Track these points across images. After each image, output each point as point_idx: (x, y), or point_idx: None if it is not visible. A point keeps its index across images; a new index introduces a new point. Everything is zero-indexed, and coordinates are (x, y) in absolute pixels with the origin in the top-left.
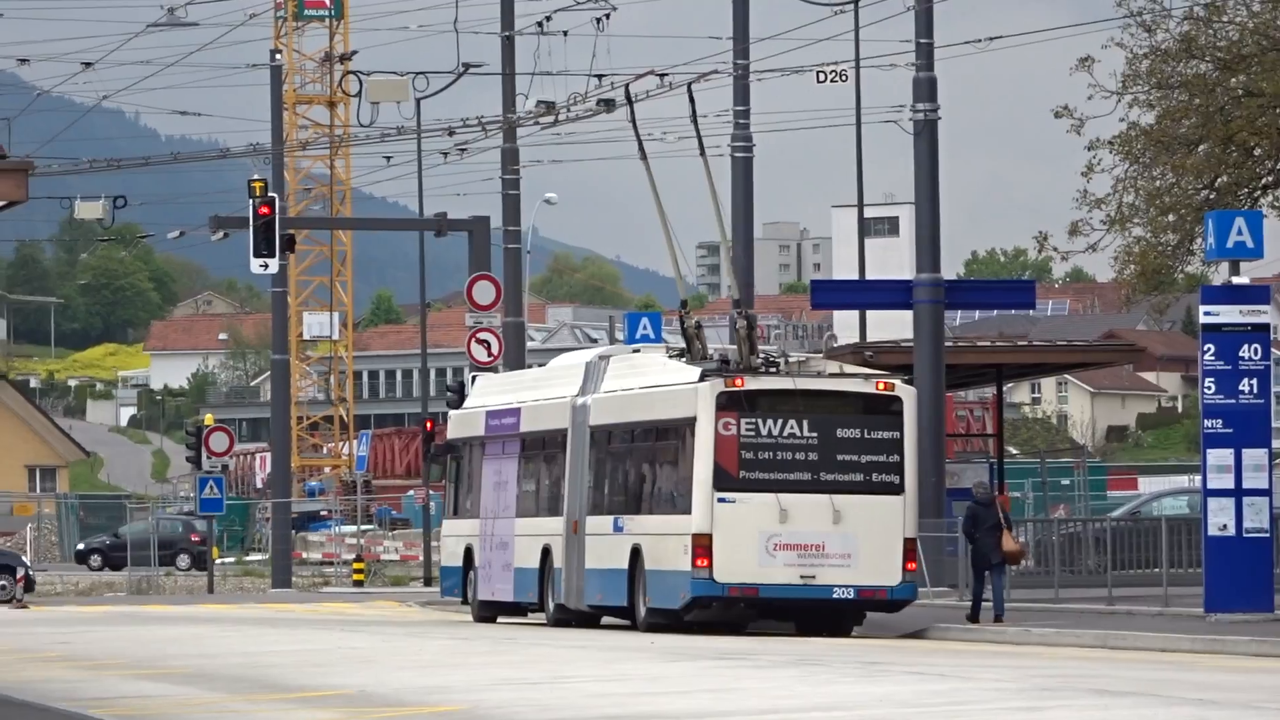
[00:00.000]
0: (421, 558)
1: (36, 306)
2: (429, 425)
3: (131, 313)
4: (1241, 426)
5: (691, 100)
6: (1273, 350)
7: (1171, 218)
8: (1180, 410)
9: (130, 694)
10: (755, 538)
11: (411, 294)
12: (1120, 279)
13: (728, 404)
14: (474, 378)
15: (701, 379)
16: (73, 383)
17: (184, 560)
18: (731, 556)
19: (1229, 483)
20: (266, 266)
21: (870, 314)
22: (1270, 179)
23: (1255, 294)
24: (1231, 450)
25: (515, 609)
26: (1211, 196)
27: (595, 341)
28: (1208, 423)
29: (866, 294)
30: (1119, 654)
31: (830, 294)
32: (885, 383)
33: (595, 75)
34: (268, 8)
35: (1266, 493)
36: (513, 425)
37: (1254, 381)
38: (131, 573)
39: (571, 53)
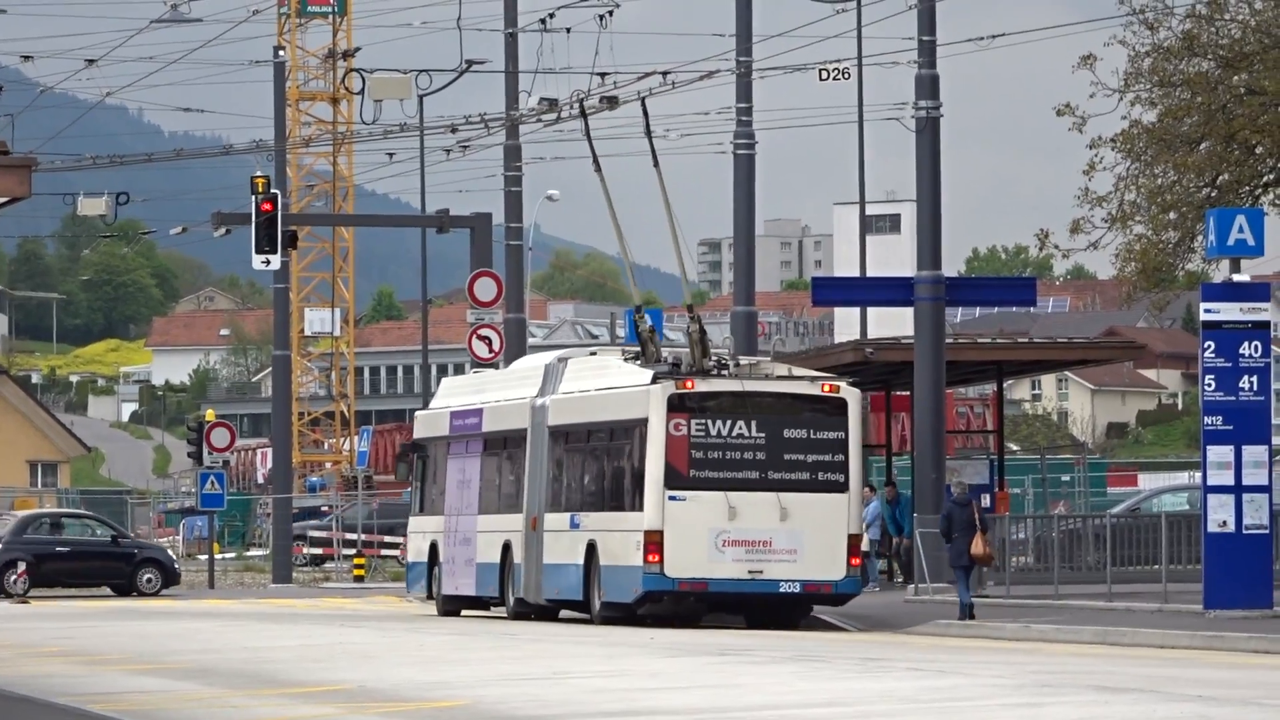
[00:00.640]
0: None
1: (39, 302)
2: None
3: (133, 308)
4: (1241, 423)
5: (645, 114)
6: (1273, 348)
7: (1173, 215)
8: (1180, 407)
9: (131, 689)
10: (705, 534)
11: (413, 290)
12: (1121, 276)
13: (678, 405)
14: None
15: (653, 381)
16: (74, 378)
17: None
18: (682, 552)
19: (1229, 479)
20: (268, 263)
21: (871, 311)
22: (1271, 177)
23: (1256, 291)
24: (1231, 447)
25: (477, 603)
26: (1213, 194)
27: (596, 338)
28: (1208, 419)
29: (868, 291)
30: (1119, 650)
31: (831, 291)
32: (831, 385)
33: (598, 73)
34: (271, 4)
35: (1266, 489)
36: (476, 425)
37: (1254, 379)
38: None
39: (575, 50)
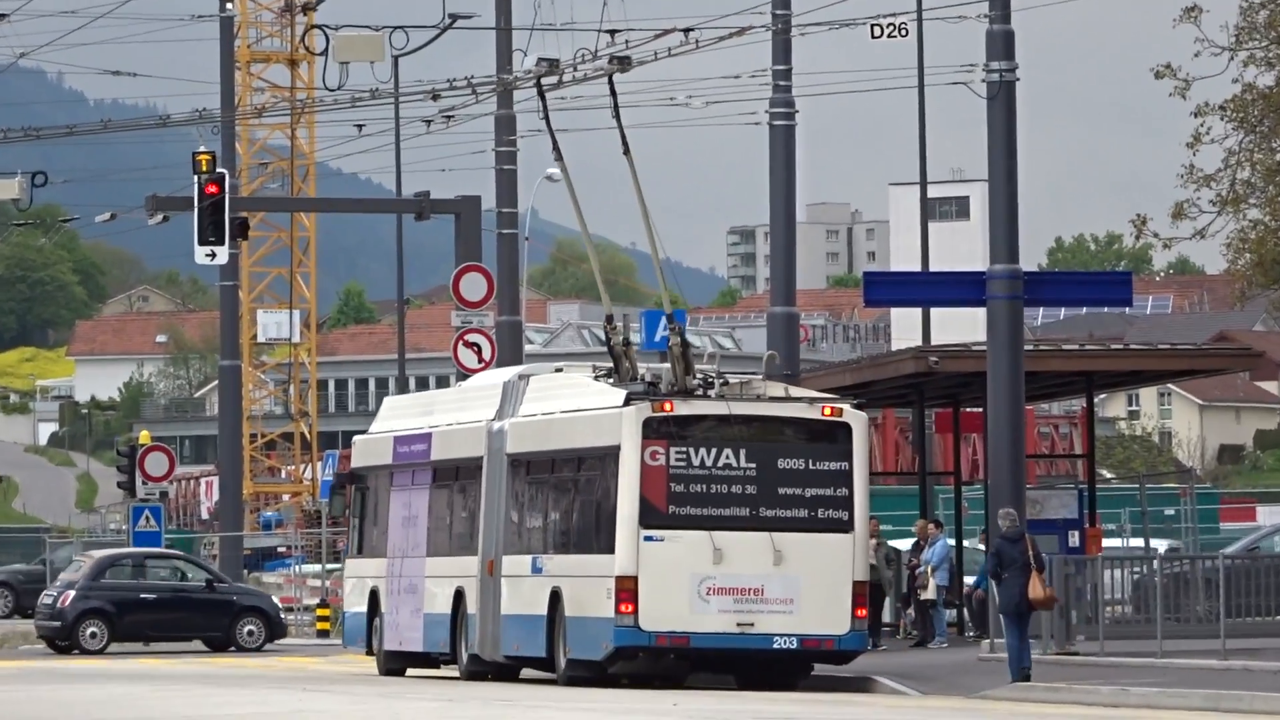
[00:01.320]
0: None
1: None
2: None
3: (52, 311)
4: None
5: (613, 93)
6: None
7: None
8: None
9: None
10: (686, 580)
11: (387, 288)
12: (1234, 270)
13: (655, 430)
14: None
15: (626, 402)
16: None
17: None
18: (659, 601)
19: None
20: (214, 256)
21: (935, 312)
22: None
23: None
24: None
25: (425, 660)
26: None
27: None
28: None
29: (930, 288)
30: (1234, 719)
31: (887, 288)
32: (832, 407)
33: (607, 30)
34: None
35: None
36: (423, 453)
37: None
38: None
39: (579, 2)
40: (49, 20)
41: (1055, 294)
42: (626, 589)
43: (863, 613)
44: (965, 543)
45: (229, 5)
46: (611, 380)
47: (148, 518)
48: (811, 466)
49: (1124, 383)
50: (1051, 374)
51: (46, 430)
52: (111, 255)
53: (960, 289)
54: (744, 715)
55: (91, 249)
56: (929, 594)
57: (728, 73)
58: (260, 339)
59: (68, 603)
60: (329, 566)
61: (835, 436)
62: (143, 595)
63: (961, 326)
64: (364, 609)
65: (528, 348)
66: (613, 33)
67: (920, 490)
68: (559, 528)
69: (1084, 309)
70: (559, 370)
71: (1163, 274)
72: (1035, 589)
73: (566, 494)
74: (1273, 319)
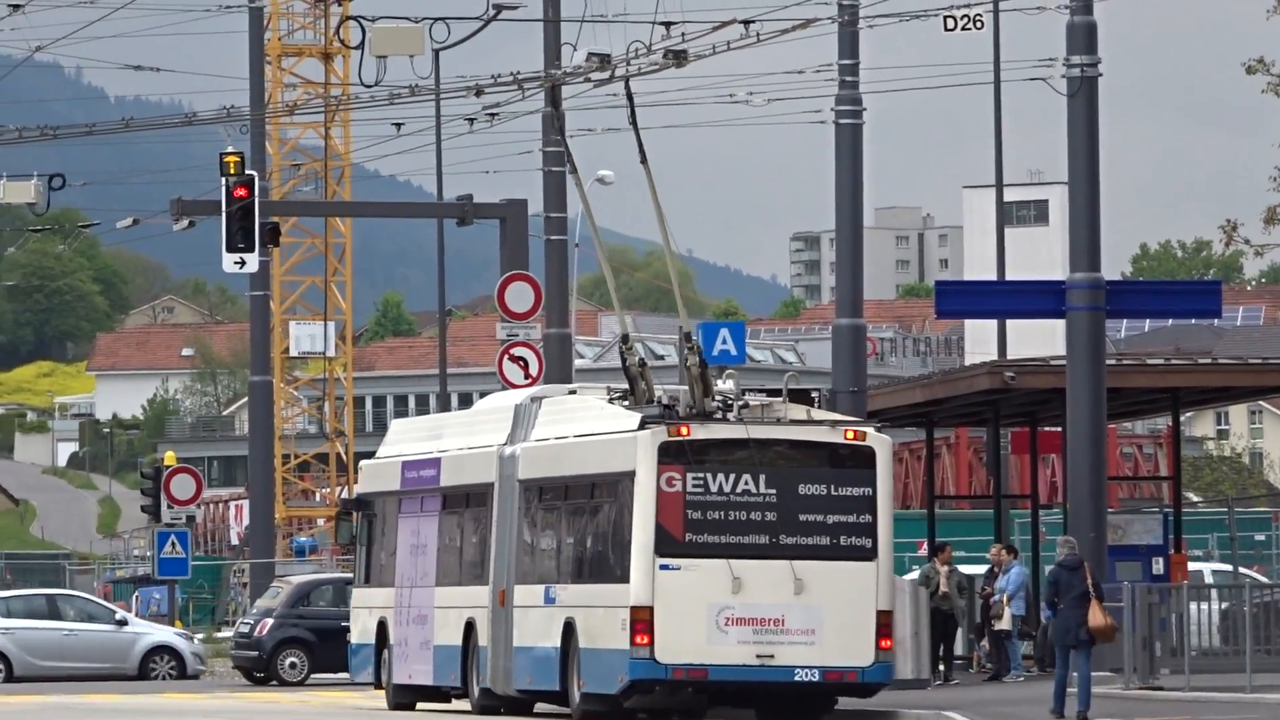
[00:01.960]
0: None
1: None
2: None
3: (71, 322)
4: None
5: (629, 98)
6: None
7: None
8: None
9: None
10: (704, 611)
11: (428, 298)
12: None
13: (672, 455)
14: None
15: (641, 426)
16: None
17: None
18: (676, 633)
19: None
20: (243, 264)
21: (1012, 324)
22: None
23: None
24: None
25: (436, 693)
26: None
27: (661, 359)
28: None
29: (1006, 298)
30: None
31: (960, 298)
32: (855, 430)
33: (662, 23)
34: None
35: None
36: (432, 478)
37: None
38: None
39: None
40: (67, 11)
41: (1139, 305)
42: (642, 620)
43: (887, 643)
44: (1043, 570)
45: None
46: (627, 403)
47: (174, 544)
48: (834, 492)
49: (1212, 400)
50: (1135, 390)
51: (66, 450)
52: (134, 263)
53: (1038, 299)
54: None
55: (113, 256)
56: (1004, 624)
57: (791, 68)
58: (293, 353)
59: (265, 631)
60: None
61: (859, 461)
62: (343, 623)
63: (1040, 339)
64: (372, 640)
65: (577, 362)
66: (668, 25)
67: (995, 514)
68: (572, 556)
69: (1170, 321)
70: (573, 392)
71: (1254, 283)
72: (1096, 616)
73: (580, 521)
74: None
